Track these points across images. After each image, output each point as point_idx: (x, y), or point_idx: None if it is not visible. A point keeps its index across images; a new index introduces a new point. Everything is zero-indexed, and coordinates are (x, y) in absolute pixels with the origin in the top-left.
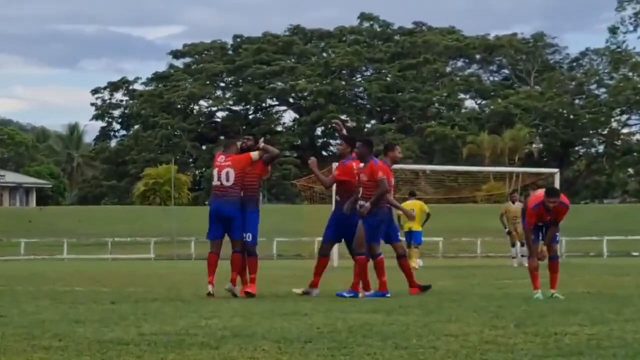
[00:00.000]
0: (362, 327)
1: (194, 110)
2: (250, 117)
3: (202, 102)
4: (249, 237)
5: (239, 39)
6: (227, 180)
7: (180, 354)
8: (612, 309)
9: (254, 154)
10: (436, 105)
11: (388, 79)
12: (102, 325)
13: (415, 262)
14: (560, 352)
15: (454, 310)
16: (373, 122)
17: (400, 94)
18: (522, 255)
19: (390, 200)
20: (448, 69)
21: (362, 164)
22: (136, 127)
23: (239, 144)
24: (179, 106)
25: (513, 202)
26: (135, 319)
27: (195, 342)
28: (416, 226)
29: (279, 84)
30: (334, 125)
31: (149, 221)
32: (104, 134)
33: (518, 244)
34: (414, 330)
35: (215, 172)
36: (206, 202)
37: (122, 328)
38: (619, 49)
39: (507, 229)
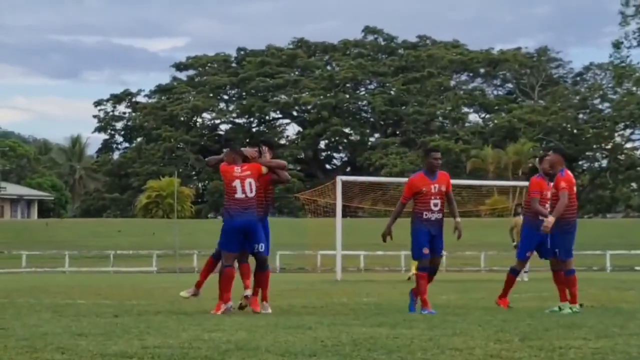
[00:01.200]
0: (367, 340)
1: (197, 123)
2: (254, 129)
3: (205, 115)
4: (261, 247)
5: (242, 52)
6: (251, 191)
7: None
8: (616, 323)
9: (263, 168)
10: (440, 119)
11: (392, 92)
12: (105, 338)
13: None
14: None
15: (459, 324)
16: (377, 135)
17: (404, 107)
18: (525, 272)
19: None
20: (452, 83)
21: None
22: (139, 139)
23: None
24: (182, 119)
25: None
26: (139, 332)
27: (198, 356)
28: None
29: (283, 97)
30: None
31: (151, 234)
32: (107, 147)
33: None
34: (419, 344)
35: (237, 184)
36: (212, 216)
37: (125, 341)
38: (622, 64)
39: (515, 243)
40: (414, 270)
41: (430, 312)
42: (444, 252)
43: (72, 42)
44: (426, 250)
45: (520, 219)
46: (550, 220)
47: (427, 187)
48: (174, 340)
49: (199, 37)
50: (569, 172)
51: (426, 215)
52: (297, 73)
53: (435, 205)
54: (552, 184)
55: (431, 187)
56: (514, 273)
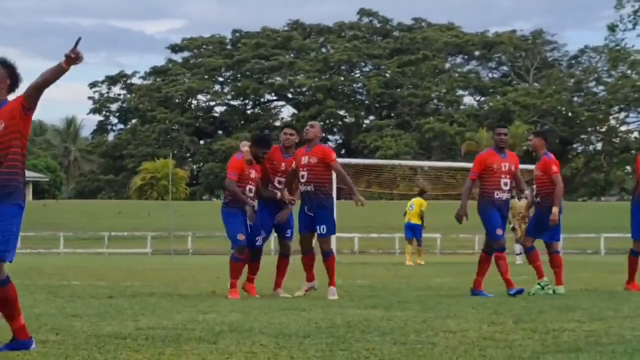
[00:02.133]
0: (361, 322)
1: (192, 105)
2: (249, 112)
3: (200, 97)
4: (288, 232)
5: (237, 34)
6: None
7: (177, 348)
8: (610, 306)
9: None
10: (435, 101)
11: (387, 75)
12: (99, 319)
13: (410, 259)
14: (559, 349)
15: (453, 306)
16: (371, 117)
17: (398, 90)
18: (517, 254)
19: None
20: (447, 66)
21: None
22: (134, 121)
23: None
24: (177, 100)
25: (519, 199)
26: (133, 313)
27: (192, 337)
28: (415, 219)
29: (278, 79)
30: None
31: (145, 216)
32: (102, 128)
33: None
34: (413, 326)
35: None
36: (207, 198)
37: (119, 322)
38: (617, 47)
39: (512, 225)
40: (409, 261)
41: (517, 290)
42: (438, 235)
43: (70, 24)
44: (499, 232)
45: (517, 202)
46: (555, 211)
47: (498, 164)
48: (168, 322)
49: (195, 19)
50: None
51: (497, 194)
52: (292, 55)
53: (506, 184)
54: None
55: (502, 164)
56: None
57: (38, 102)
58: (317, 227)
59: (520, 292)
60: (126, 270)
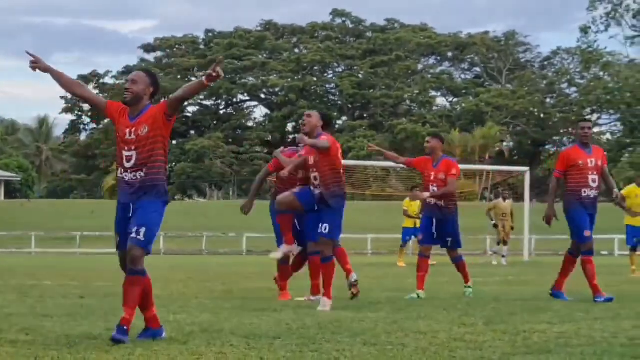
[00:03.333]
0: (332, 323)
1: None
2: (222, 112)
3: None
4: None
5: (210, 34)
6: None
7: (147, 349)
8: (581, 308)
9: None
10: (407, 102)
11: (360, 75)
12: (70, 319)
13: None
14: (529, 350)
15: (423, 307)
16: (344, 118)
17: (371, 90)
18: (502, 256)
19: None
20: (420, 67)
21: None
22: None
23: None
24: None
25: (504, 199)
26: (103, 313)
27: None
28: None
29: (251, 79)
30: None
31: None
32: (74, 128)
33: (501, 244)
34: (383, 327)
35: None
36: (179, 197)
37: (90, 323)
38: (590, 49)
39: (494, 222)
40: (401, 263)
41: (605, 298)
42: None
43: (43, 23)
44: (587, 233)
45: (500, 201)
46: (425, 195)
47: (584, 160)
48: (139, 322)
49: (169, 19)
50: None
51: (585, 192)
52: (265, 55)
53: (594, 181)
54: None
55: (587, 160)
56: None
57: (177, 111)
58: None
59: (609, 300)
60: (98, 271)
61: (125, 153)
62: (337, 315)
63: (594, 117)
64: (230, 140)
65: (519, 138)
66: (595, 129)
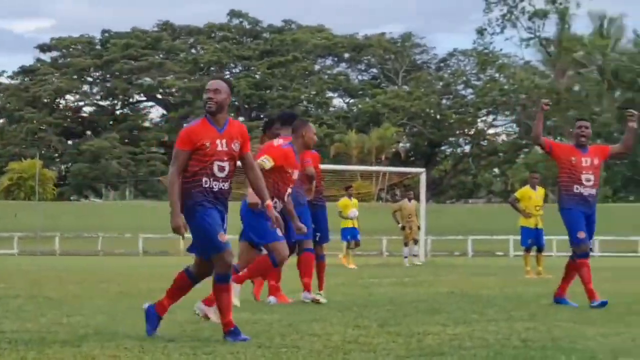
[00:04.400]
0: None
1: (61, 105)
2: (118, 112)
3: (68, 97)
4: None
5: (107, 34)
6: None
7: (40, 352)
8: (475, 310)
9: None
10: (304, 103)
11: (257, 76)
12: None
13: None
14: (422, 352)
15: (318, 309)
16: (241, 119)
17: (268, 91)
18: (414, 255)
19: None
20: (317, 67)
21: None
22: (1, 120)
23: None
24: (45, 100)
25: (409, 200)
26: None
27: (56, 340)
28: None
29: (147, 79)
30: None
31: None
32: None
33: (411, 243)
34: (278, 330)
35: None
36: (74, 198)
37: None
38: (486, 51)
39: (401, 224)
40: (342, 259)
41: (600, 303)
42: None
43: None
44: (582, 234)
45: (406, 202)
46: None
47: (578, 157)
48: (32, 325)
49: (65, 19)
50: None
51: (577, 189)
52: (161, 56)
53: (588, 180)
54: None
55: (582, 159)
56: None
57: None
58: None
59: (603, 304)
60: None
61: (219, 164)
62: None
63: (490, 118)
64: (127, 140)
65: (415, 139)
66: (491, 131)
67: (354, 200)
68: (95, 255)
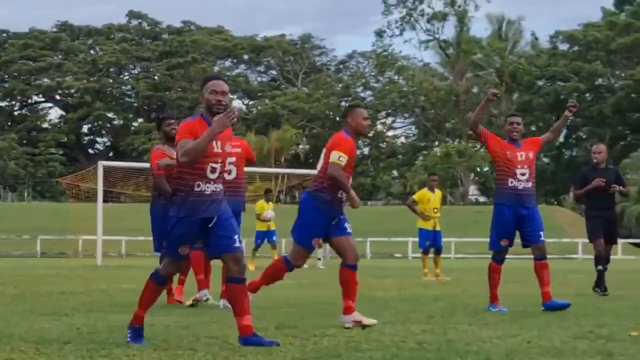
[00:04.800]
0: (123, 328)
1: None
2: (16, 113)
3: None
4: None
5: (5, 34)
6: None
7: None
8: (372, 312)
9: None
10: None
11: (156, 77)
12: None
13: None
14: (318, 355)
15: (217, 311)
16: (140, 120)
17: (167, 92)
18: (318, 259)
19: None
20: (216, 69)
21: None
22: None
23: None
24: None
25: None
26: None
27: None
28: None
29: (46, 80)
30: None
31: None
32: None
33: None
34: (175, 332)
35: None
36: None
37: None
38: (385, 53)
39: None
40: (251, 266)
41: (498, 309)
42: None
43: None
44: (505, 242)
45: None
46: None
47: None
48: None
49: None
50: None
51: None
52: (60, 57)
53: (523, 174)
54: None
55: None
56: None
57: None
58: None
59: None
60: None
61: (212, 165)
62: (128, 319)
63: (389, 120)
64: (25, 141)
65: (315, 141)
66: (390, 133)
67: (271, 204)
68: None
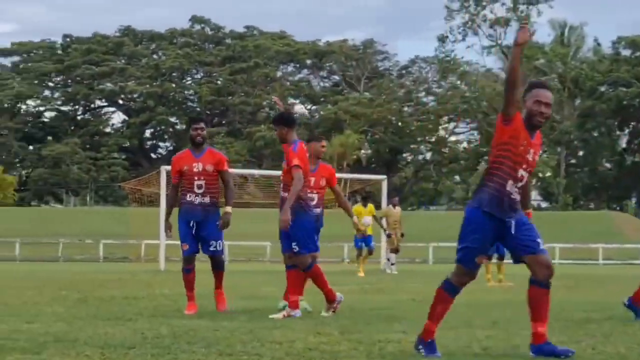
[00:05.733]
0: (187, 333)
1: (22, 110)
2: (79, 117)
3: (29, 102)
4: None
5: (68, 39)
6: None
7: (0, 359)
8: None
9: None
10: (266, 109)
11: (218, 82)
12: None
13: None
14: None
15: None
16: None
17: (230, 97)
18: (392, 264)
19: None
20: (278, 74)
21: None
22: None
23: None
24: (5, 105)
25: (394, 207)
26: None
27: (16, 347)
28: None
29: (109, 85)
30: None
31: None
32: None
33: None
34: (239, 337)
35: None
36: (35, 204)
37: None
38: (447, 58)
39: (388, 232)
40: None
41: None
42: (268, 242)
43: None
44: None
45: (391, 209)
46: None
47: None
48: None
49: (26, 23)
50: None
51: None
52: (123, 61)
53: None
54: None
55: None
56: None
57: None
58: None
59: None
60: None
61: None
62: (192, 324)
63: (451, 125)
64: (88, 146)
65: (377, 146)
66: (452, 138)
67: (370, 207)
68: (56, 261)
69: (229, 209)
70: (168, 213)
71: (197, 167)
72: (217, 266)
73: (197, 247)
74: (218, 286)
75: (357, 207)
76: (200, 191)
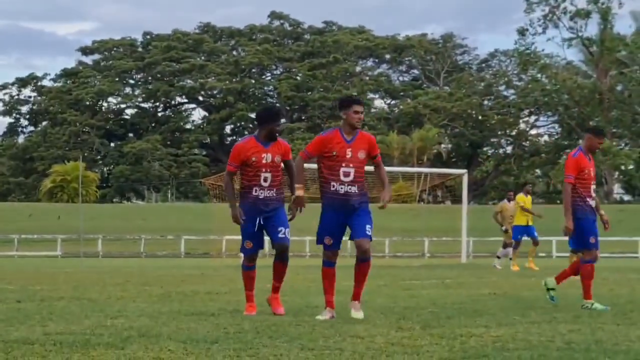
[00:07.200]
0: (269, 328)
1: (103, 107)
2: (160, 114)
3: (110, 99)
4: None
5: (148, 36)
6: None
7: (85, 354)
8: (517, 311)
9: None
10: None
11: (298, 78)
12: (7, 324)
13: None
14: (466, 355)
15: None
16: (283, 121)
17: (309, 93)
18: (498, 257)
19: None
20: (358, 69)
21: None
22: (44, 123)
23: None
24: (87, 103)
25: (509, 201)
26: (41, 318)
27: (100, 342)
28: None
29: (189, 81)
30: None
31: (55, 218)
32: (12, 130)
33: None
34: (321, 332)
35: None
36: (117, 200)
37: (27, 327)
38: (527, 51)
39: (505, 227)
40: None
41: None
42: (345, 238)
43: None
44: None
45: (506, 203)
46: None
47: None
48: (77, 327)
49: (107, 21)
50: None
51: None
52: (203, 58)
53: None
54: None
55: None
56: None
57: None
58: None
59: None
60: (35, 274)
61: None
62: (274, 320)
63: (532, 119)
64: (169, 142)
65: (457, 140)
66: (533, 131)
67: (529, 197)
68: (138, 257)
69: (300, 192)
70: (235, 199)
71: (267, 157)
72: (282, 257)
73: (261, 245)
74: (276, 289)
75: (521, 197)
76: (267, 184)
